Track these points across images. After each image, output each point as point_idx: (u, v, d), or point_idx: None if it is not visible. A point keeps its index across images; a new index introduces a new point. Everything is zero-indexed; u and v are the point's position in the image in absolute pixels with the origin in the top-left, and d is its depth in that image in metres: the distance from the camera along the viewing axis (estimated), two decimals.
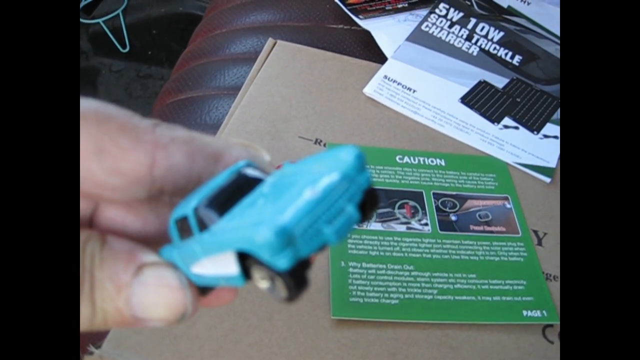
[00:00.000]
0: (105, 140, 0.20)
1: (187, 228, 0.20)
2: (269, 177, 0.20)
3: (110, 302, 0.20)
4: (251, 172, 0.20)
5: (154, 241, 0.23)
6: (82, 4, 1.40)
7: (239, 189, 0.19)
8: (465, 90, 0.60)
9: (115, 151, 0.20)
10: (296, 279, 0.17)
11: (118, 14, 1.37)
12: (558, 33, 0.67)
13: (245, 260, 0.17)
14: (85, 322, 0.20)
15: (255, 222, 0.16)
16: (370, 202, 0.18)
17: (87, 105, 0.20)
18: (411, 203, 0.49)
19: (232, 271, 0.18)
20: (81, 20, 1.39)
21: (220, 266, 0.18)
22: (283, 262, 0.16)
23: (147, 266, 0.20)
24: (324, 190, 0.17)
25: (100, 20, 1.37)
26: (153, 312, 0.20)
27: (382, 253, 0.45)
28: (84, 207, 0.22)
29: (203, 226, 0.19)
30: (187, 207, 0.20)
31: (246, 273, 0.18)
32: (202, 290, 0.21)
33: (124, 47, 1.40)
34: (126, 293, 0.20)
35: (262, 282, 0.18)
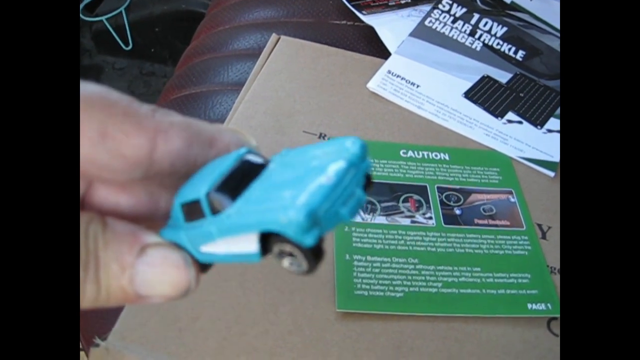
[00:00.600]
0: (109, 125, 0.20)
1: (197, 211, 0.21)
2: (271, 163, 0.21)
3: (115, 280, 0.21)
4: (253, 158, 0.22)
5: (145, 219, 0.24)
6: (85, 2, 1.40)
7: (245, 174, 0.21)
8: (468, 85, 0.60)
9: (118, 135, 0.21)
10: (315, 252, 0.19)
11: (121, 12, 1.37)
12: None
13: (265, 239, 0.19)
14: (90, 300, 0.21)
15: (281, 206, 0.18)
16: (368, 183, 0.21)
17: (92, 89, 0.21)
18: (415, 197, 0.49)
19: (250, 249, 0.20)
20: (84, 18, 1.39)
21: (235, 245, 0.20)
22: (310, 239, 0.18)
23: (151, 246, 0.21)
24: (337, 176, 0.19)
25: (103, 18, 1.37)
26: (157, 289, 0.21)
27: (386, 246, 0.45)
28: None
29: (215, 209, 0.20)
30: (198, 191, 0.21)
31: (263, 250, 0.20)
32: (203, 267, 0.23)
33: (126, 44, 1.40)
34: (130, 272, 0.21)
35: (281, 258, 0.20)
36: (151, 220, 0.24)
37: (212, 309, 0.41)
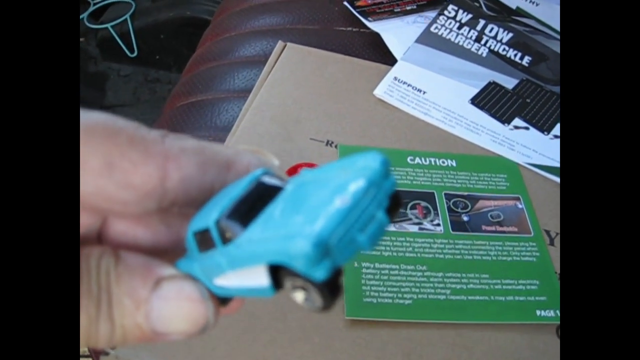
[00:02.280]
0: (115, 154, 0.19)
1: (208, 240, 0.19)
2: (288, 185, 0.20)
3: (130, 318, 0.20)
4: (269, 180, 0.20)
5: (165, 252, 0.22)
6: (90, 9, 1.41)
7: (259, 198, 0.19)
8: (475, 91, 0.60)
9: (125, 165, 0.19)
10: (331, 287, 0.17)
11: (126, 19, 1.38)
12: None
13: (276, 271, 0.18)
14: (105, 340, 0.20)
15: (289, 234, 0.16)
16: (395, 205, 0.18)
17: (96, 118, 0.20)
18: (423, 204, 0.49)
19: (261, 283, 0.18)
20: (89, 25, 1.40)
21: (247, 278, 0.18)
22: (321, 273, 0.16)
23: (166, 280, 0.20)
24: (354, 197, 0.16)
25: (108, 25, 1.38)
26: (174, 325, 0.20)
27: (394, 253, 0.45)
28: (92, 221, 0.22)
29: (226, 238, 0.19)
30: (208, 219, 0.19)
31: (276, 283, 0.18)
32: (222, 300, 0.21)
33: (132, 51, 1.41)
34: (145, 308, 0.20)
35: (295, 293, 0.18)
36: (172, 253, 0.22)
37: (221, 318, 0.40)
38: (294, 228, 0.16)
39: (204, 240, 0.20)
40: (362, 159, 0.18)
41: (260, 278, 0.18)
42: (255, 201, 0.19)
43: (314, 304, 0.17)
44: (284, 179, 0.20)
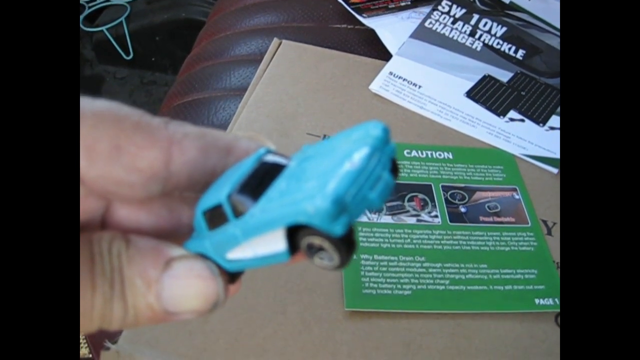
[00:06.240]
0: (122, 139, 0.20)
1: (219, 216, 0.20)
2: (291, 161, 0.20)
3: (142, 298, 0.20)
4: (273, 158, 0.21)
5: (168, 236, 0.23)
6: (85, 13, 1.41)
7: (266, 175, 0.20)
8: (470, 84, 0.60)
9: (132, 149, 0.20)
10: (347, 243, 0.18)
11: (121, 22, 1.38)
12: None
13: (291, 236, 0.18)
14: (118, 321, 0.20)
15: (306, 196, 0.17)
16: (395, 168, 0.20)
17: (102, 105, 0.21)
18: (420, 196, 0.49)
19: (278, 248, 0.19)
20: (85, 28, 1.40)
21: (262, 246, 0.19)
22: (339, 228, 0.17)
23: (176, 260, 0.21)
24: (362, 161, 0.18)
25: (103, 28, 1.38)
26: (185, 304, 0.21)
27: (393, 245, 0.45)
28: (96, 207, 0.22)
29: (238, 212, 0.20)
30: (219, 195, 0.20)
31: (291, 247, 0.19)
32: (231, 277, 0.22)
33: (127, 54, 1.41)
34: (156, 288, 0.20)
35: (311, 254, 0.19)
36: (174, 237, 0.23)
37: (222, 311, 0.41)
38: (309, 191, 0.17)
39: (215, 218, 0.20)
40: (362, 129, 0.19)
41: (276, 243, 0.19)
42: (262, 178, 0.20)
43: (332, 262, 0.18)
44: (287, 157, 0.21)
